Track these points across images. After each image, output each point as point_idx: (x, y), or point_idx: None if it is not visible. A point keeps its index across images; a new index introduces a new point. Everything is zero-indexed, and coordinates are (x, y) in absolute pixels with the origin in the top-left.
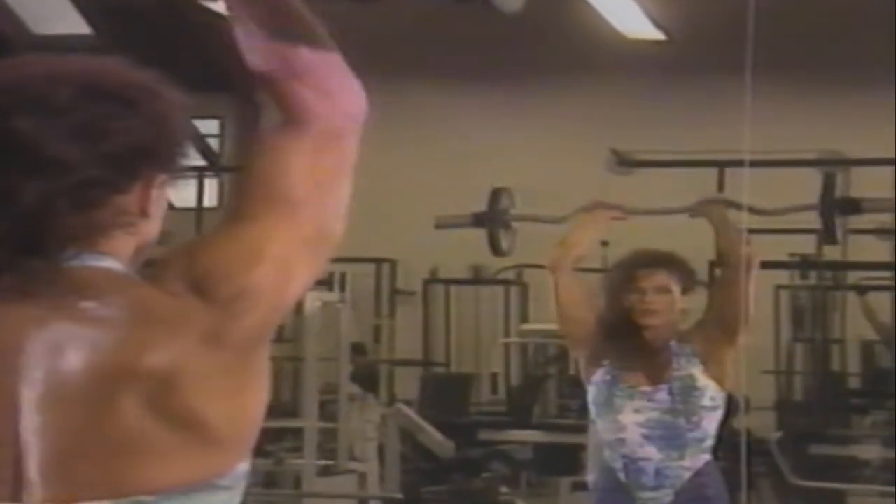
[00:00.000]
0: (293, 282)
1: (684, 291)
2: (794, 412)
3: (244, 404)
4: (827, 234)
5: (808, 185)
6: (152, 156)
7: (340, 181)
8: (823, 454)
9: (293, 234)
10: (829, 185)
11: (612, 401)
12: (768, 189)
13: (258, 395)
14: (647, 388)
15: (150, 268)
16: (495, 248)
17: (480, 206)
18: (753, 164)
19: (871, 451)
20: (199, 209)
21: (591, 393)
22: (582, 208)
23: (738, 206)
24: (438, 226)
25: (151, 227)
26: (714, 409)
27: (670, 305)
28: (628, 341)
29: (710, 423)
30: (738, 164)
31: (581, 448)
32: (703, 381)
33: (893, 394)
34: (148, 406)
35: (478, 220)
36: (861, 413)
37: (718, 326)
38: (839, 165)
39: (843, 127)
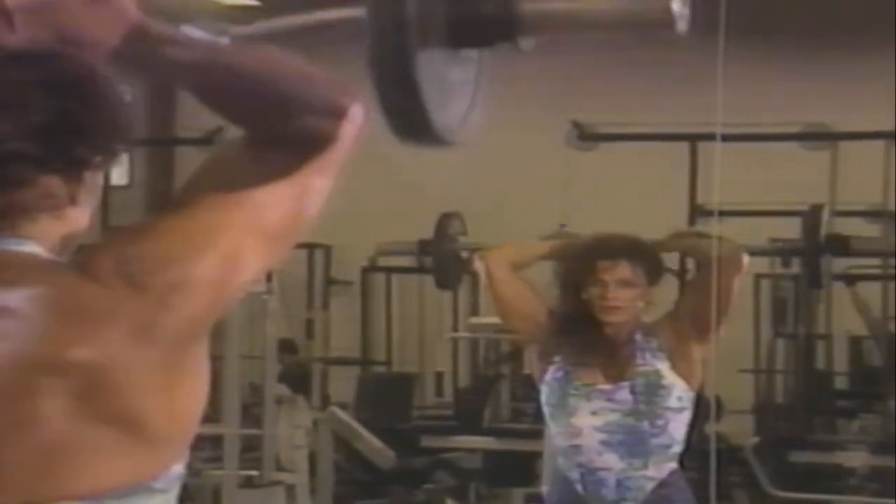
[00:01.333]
0: (240, 274)
1: (650, 283)
2: (773, 415)
3: (179, 402)
4: (811, 280)
5: (790, 161)
6: (86, 135)
7: (322, 178)
8: (805, 462)
9: (252, 224)
10: (812, 227)
11: (566, 401)
12: (746, 166)
13: (195, 393)
14: (605, 387)
15: (79, 254)
16: (443, 284)
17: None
18: (727, 138)
19: (858, 459)
20: (107, 188)
21: (544, 393)
22: (547, 237)
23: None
24: (380, 253)
25: (82, 214)
26: (681, 410)
27: (634, 300)
28: (585, 335)
29: (678, 427)
30: (711, 137)
31: (536, 456)
32: (671, 378)
33: (883, 395)
34: (74, 403)
35: (423, 249)
36: (848, 416)
37: (690, 320)
38: (825, 140)
39: (830, 97)
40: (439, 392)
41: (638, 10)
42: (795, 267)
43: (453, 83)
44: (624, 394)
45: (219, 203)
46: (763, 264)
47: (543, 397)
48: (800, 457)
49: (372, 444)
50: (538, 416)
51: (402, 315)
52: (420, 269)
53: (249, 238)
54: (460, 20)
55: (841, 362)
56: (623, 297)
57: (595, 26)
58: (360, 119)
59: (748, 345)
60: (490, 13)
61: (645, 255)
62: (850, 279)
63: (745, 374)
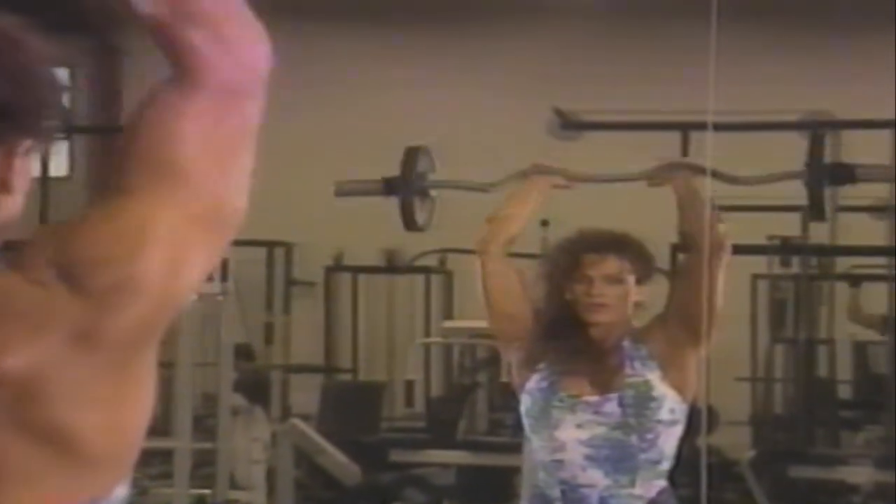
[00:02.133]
0: (186, 270)
1: (639, 281)
2: (771, 427)
3: (122, 416)
4: (814, 209)
5: (790, 153)
6: (13, 116)
7: (242, 148)
8: (806, 477)
9: (184, 212)
10: (816, 148)
11: (549, 413)
12: (742, 159)
13: (140, 405)
14: (592, 398)
15: (10, 251)
16: (409, 222)
17: (393, 171)
18: (719, 127)
19: (862, 474)
20: (45, 179)
21: (525, 403)
22: (517, 174)
23: (708, 174)
24: (339, 193)
25: (12, 203)
26: (673, 423)
27: (622, 298)
28: (570, 340)
29: (668, 442)
30: (702, 127)
31: (514, 472)
32: (662, 389)
33: (890, 405)
34: (5, 418)
35: (389, 187)
36: (852, 428)
37: (681, 323)
38: (827, 128)
39: (831, 83)
40: (409, 402)
41: None
42: (795, 266)
43: None
44: (612, 406)
45: (154, 188)
46: (760, 264)
47: (524, 408)
48: (800, 472)
49: (336, 459)
50: (517, 428)
51: (369, 319)
52: (389, 269)
53: (190, 229)
54: None
55: (844, 369)
56: (610, 293)
57: None
58: (267, 69)
59: (744, 351)
60: None
61: (634, 250)
62: (855, 279)
63: (741, 383)
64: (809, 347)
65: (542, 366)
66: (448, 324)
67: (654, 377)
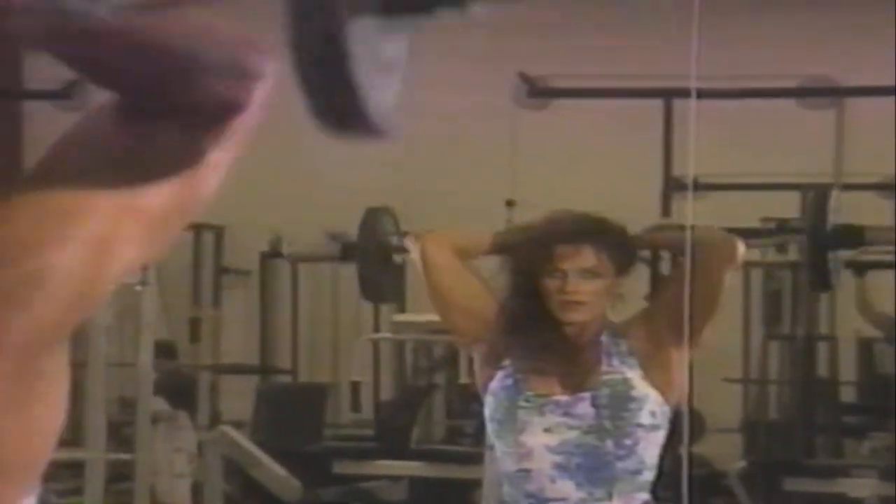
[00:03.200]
0: (110, 265)
1: (619, 273)
2: (764, 434)
3: (29, 422)
4: (817, 281)
5: (787, 124)
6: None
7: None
8: (803, 491)
9: (127, 205)
10: (818, 206)
11: (514, 415)
12: (733, 129)
13: (49, 411)
14: (562, 398)
15: None
16: (370, 294)
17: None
18: (705, 94)
19: (866, 487)
20: None
21: (489, 405)
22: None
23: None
24: (292, 258)
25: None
26: (654, 428)
27: (600, 294)
28: (539, 335)
29: (649, 449)
30: (685, 94)
31: (474, 485)
32: (642, 389)
33: None
34: None
35: (346, 253)
36: (856, 436)
37: (667, 320)
38: (828, 97)
39: (833, 45)
40: (356, 407)
41: None
42: (793, 254)
43: (386, 59)
44: (584, 406)
45: (85, 180)
46: (753, 250)
47: (488, 410)
48: (796, 485)
49: (272, 472)
50: (478, 435)
51: (310, 312)
52: (332, 256)
53: (124, 222)
54: None
55: (848, 369)
56: (586, 290)
57: None
58: (270, 80)
59: (735, 348)
60: None
61: (613, 240)
62: (860, 267)
63: (731, 385)
64: (808, 344)
65: (506, 362)
66: (400, 317)
67: (633, 375)
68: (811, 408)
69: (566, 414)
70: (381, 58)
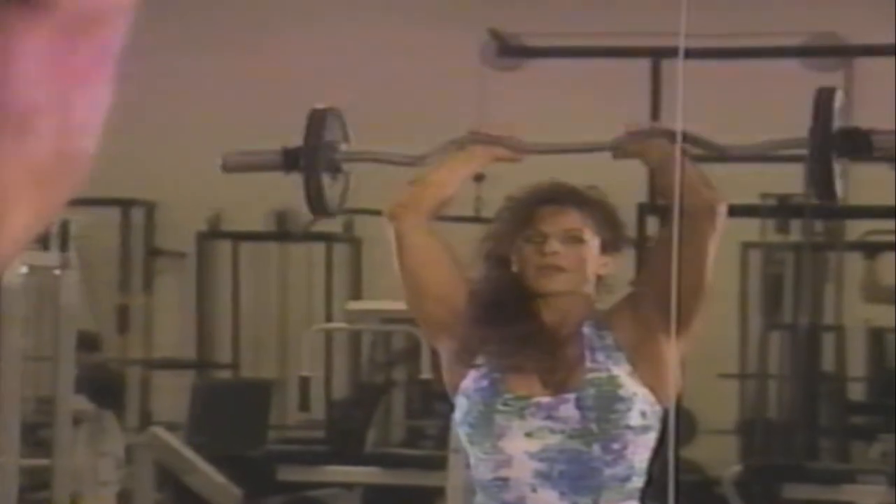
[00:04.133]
0: (3, 230)
1: (605, 249)
2: (762, 435)
3: None
4: (820, 189)
5: (789, 87)
6: None
7: (94, 80)
8: (804, 499)
9: (13, 158)
10: (824, 109)
11: (492, 419)
12: (728, 93)
13: None
14: (544, 399)
15: None
16: (317, 204)
17: (294, 133)
18: (695, 53)
19: (874, 494)
20: None
21: (460, 408)
22: (452, 142)
23: (687, 140)
24: (227, 168)
25: None
26: (645, 430)
27: (582, 262)
28: (517, 326)
29: (638, 453)
30: (673, 53)
31: (436, 493)
32: (631, 387)
33: None
34: None
35: (289, 160)
36: (864, 437)
37: (655, 306)
38: (835, 56)
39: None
40: (305, 405)
41: None
42: (795, 233)
43: None
44: (568, 409)
45: None
46: (752, 229)
47: (460, 413)
48: (797, 491)
49: (210, 480)
50: (441, 438)
51: (254, 299)
52: (280, 236)
53: (15, 178)
54: None
55: (856, 363)
56: (568, 254)
57: None
58: None
59: (731, 339)
60: None
61: (599, 208)
62: (870, 249)
63: (726, 380)
64: (812, 335)
65: (480, 360)
66: (355, 305)
67: (621, 372)
68: (815, 406)
69: (549, 417)
70: None
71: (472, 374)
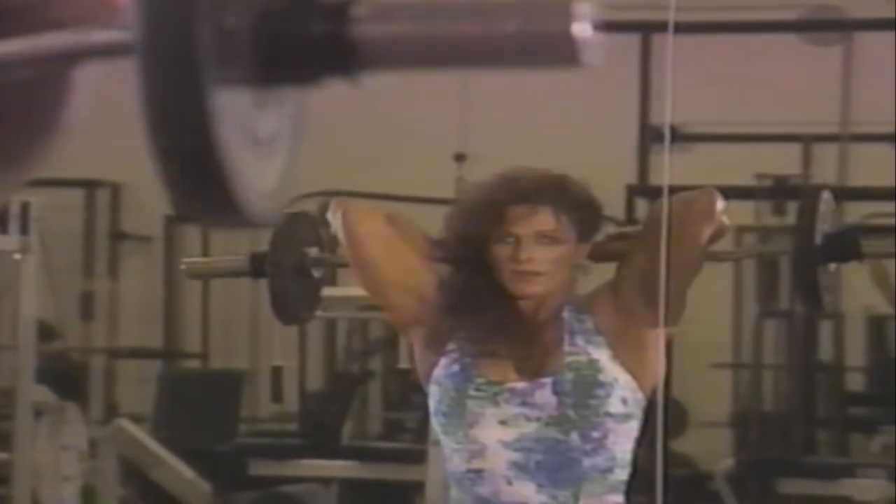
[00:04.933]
0: None
1: (582, 239)
2: (757, 428)
3: None
4: (805, 297)
5: (786, 63)
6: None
7: None
8: (800, 494)
9: None
10: (808, 214)
11: (464, 406)
12: (721, 70)
13: None
14: (519, 385)
15: None
16: (283, 314)
17: None
18: (684, 28)
19: (874, 489)
20: None
21: (433, 396)
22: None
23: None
24: (191, 276)
25: None
26: (627, 418)
27: (559, 264)
28: (490, 313)
29: (620, 443)
30: (662, 28)
31: (415, 488)
32: (612, 371)
33: None
34: None
35: (256, 267)
36: (865, 430)
37: (639, 292)
38: (834, 30)
39: None
40: (278, 397)
41: (524, 35)
42: (792, 215)
43: (264, 135)
44: (545, 394)
45: None
46: (746, 212)
47: (433, 402)
48: (793, 486)
49: (178, 474)
50: (420, 430)
51: (225, 286)
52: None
53: None
54: (275, 47)
55: (855, 353)
56: (543, 258)
57: (463, 57)
58: None
59: (724, 328)
60: (317, 35)
61: (575, 200)
62: (871, 232)
63: (719, 370)
64: (809, 323)
65: (451, 346)
66: (330, 292)
67: (601, 356)
68: (812, 398)
69: (524, 403)
70: (258, 136)
71: (443, 362)
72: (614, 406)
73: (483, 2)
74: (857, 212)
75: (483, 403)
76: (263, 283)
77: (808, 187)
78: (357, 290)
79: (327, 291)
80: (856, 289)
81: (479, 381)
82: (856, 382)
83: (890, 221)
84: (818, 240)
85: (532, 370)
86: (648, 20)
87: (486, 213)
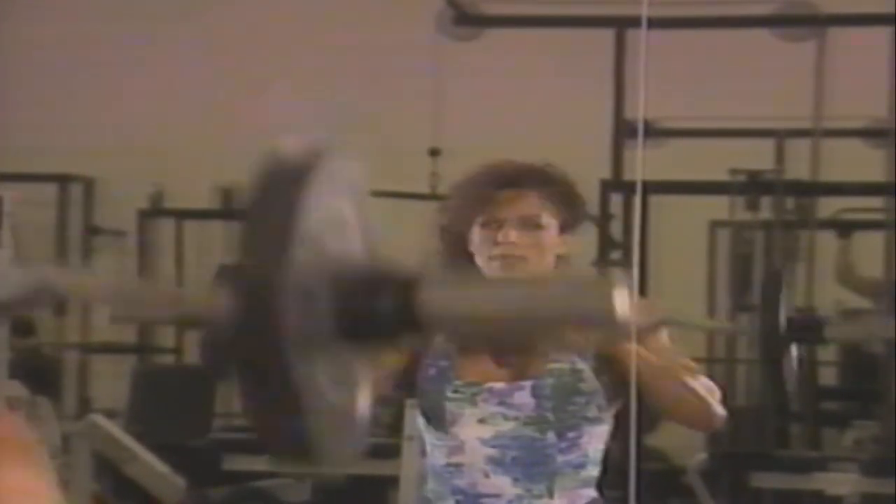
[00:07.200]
0: None
1: (564, 229)
2: (730, 423)
3: None
4: (771, 389)
5: (759, 58)
6: None
7: None
8: (774, 488)
9: None
10: (770, 300)
11: (443, 407)
12: (695, 65)
13: None
14: (497, 385)
15: None
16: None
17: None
18: (657, 23)
19: (846, 483)
20: None
21: (419, 396)
22: None
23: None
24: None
25: None
26: (599, 422)
27: (542, 249)
28: None
29: (593, 444)
30: (636, 23)
31: (389, 483)
32: (593, 383)
33: (887, 394)
34: None
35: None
36: (838, 424)
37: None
38: (807, 25)
39: None
40: None
41: (568, 308)
42: (765, 211)
43: (339, 403)
44: (523, 396)
45: None
46: (720, 207)
47: (420, 404)
48: (766, 480)
49: (152, 469)
50: (394, 426)
51: (199, 280)
52: (224, 214)
53: None
54: (350, 320)
55: (828, 348)
56: (527, 242)
57: (513, 330)
58: None
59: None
60: (387, 308)
61: (558, 187)
62: (844, 227)
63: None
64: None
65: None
66: None
67: (585, 367)
68: (785, 392)
69: (502, 403)
70: (334, 404)
71: (423, 362)
72: (591, 412)
73: (530, 287)
74: (829, 207)
75: (461, 404)
76: None
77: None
78: None
79: None
80: (828, 283)
81: (457, 383)
82: (828, 377)
83: (862, 217)
84: (782, 323)
85: (512, 372)
86: (622, 15)
87: (471, 198)
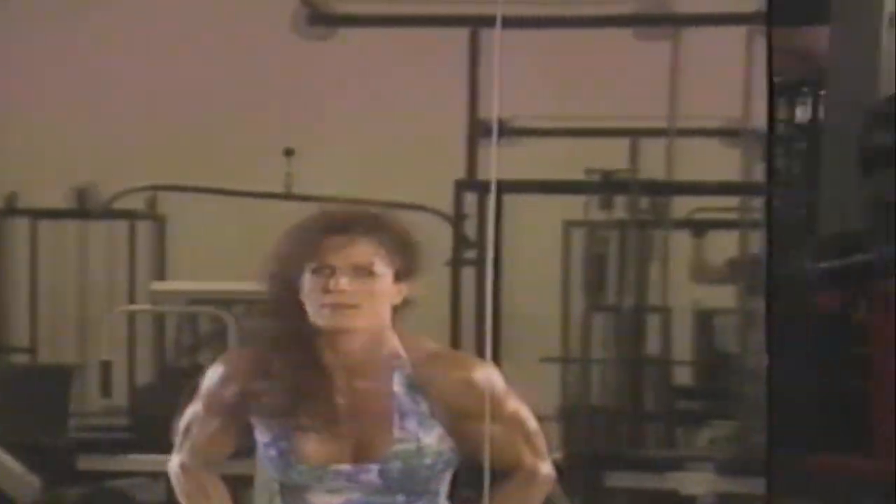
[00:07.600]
0: None
1: (399, 277)
2: (584, 422)
3: None
4: None
5: (614, 57)
6: None
7: None
8: (628, 487)
9: None
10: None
11: (292, 482)
12: (549, 64)
13: None
14: (343, 467)
15: None
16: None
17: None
18: (514, 23)
19: (701, 482)
20: None
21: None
22: None
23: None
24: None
25: None
26: (449, 465)
27: (374, 296)
28: (301, 371)
29: (442, 484)
30: (489, 23)
31: (245, 483)
32: (438, 447)
33: (742, 394)
34: None
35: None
36: (692, 423)
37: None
38: (662, 25)
39: None
40: (107, 391)
41: None
42: (620, 210)
43: None
44: (371, 477)
45: None
46: (575, 207)
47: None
48: (620, 480)
49: (6, 469)
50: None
51: (53, 280)
52: (79, 213)
53: None
54: None
55: (683, 347)
56: (358, 290)
57: None
58: None
59: (553, 322)
60: None
61: (393, 235)
62: (698, 227)
63: (547, 364)
64: (637, 317)
65: (260, 419)
66: (159, 286)
67: (431, 439)
68: (640, 391)
69: (350, 481)
70: None
71: (258, 437)
72: (440, 465)
73: None
74: (683, 207)
75: (308, 481)
76: (92, 276)
77: (636, 182)
78: (186, 284)
79: (157, 286)
80: (683, 283)
81: (301, 467)
82: (683, 376)
83: (715, 216)
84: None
85: (356, 451)
86: (477, 14)
87: (301, 244)
